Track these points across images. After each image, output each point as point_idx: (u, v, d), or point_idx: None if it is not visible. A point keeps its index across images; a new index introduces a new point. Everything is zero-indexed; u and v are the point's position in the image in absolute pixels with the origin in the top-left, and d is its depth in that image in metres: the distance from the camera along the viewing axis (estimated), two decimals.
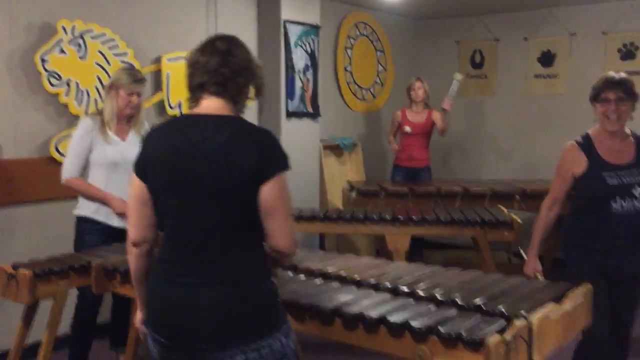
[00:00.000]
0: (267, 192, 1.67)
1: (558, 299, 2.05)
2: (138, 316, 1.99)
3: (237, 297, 1.69)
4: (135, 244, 1.83)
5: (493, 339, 1.68)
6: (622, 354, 2.80)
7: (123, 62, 3.94)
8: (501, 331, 1.76)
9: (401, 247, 3.91)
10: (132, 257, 1.86)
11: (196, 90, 1.78)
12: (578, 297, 2.09)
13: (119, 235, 3.30)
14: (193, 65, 1.78)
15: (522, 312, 1.86)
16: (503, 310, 1.91)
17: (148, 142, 1.80)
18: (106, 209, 3.28)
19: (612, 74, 2.73)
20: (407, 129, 5.40)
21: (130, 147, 3.34)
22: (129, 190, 1.84)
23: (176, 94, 4.29)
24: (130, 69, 3.36)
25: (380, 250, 5.32)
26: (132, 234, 1.83)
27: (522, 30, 6.12)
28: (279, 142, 1.74)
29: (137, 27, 4.10)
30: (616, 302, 2.69)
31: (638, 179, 2.64)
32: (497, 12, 6.21)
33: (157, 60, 4.22)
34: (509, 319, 1.84)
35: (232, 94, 1.76)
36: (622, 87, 2.64)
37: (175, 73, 4.25)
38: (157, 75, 4.23)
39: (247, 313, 1.69)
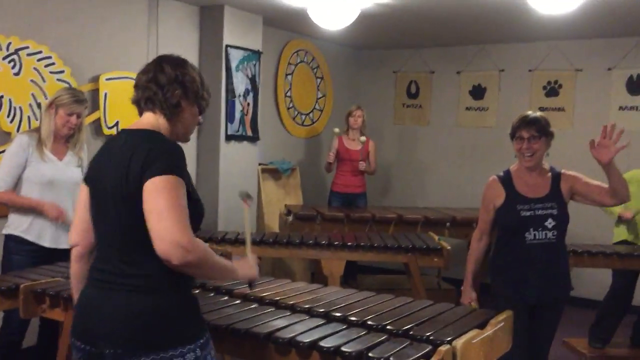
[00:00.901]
0: (144, 195, 1.65)
1: (482, 325, 2.16)
2: None
3: (146, 305, 1.71)
4: (72, 246, 1.94)
5: None
6: None
7: (59, 80, 3.88)
8: (427, 356, 1.85)
9: (336, 272, 3.99)
10: (71, 261, 1.95)
11: (136, 107, 1.89)
12: (500, 323, 2.20)
13: (49, 256, 3.22)
14: (134, 85, 1.88)
15: (447, 337, 1.96)
16: (430, 336, 2.00)
17: (97, 152, 1.92)
18: (37, 228, 3.21)
19: (528, 113, 2.89)
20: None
21: (66, 167, 3.30)
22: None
23: (114, 114, 4.24)
24: (73, 89, 3.33)
25: (316, 274, 5.39)
26: (71, 236, 1.94)
27: (455, 64, 6.41)
28: (170, 149, 1.73)
29: (75, 45, 4.05)
30: (535, 330, 2.83)
31: (550, 211, 2.80)
32: (432, 46, 6.48)
33: (95, 79, 4.17)
34: (435, 344, 1.93)
35: (161, 107, 1.82)
36: (535, 126, 2.79)
37: (114, 93, 4.22)
38: (95, 94, 4.18)
39: (156, 321, 1.71)
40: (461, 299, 3.02)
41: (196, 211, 1.79)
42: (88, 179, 1.88)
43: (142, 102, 1.85)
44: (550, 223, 2.79)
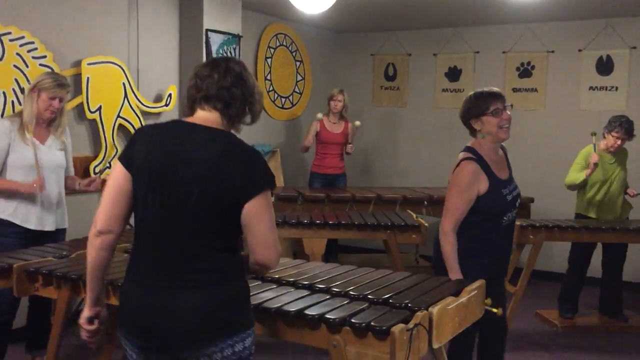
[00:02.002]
0: (250, 208, 1.75)
1: (457, 293, 2.30)
2: (85, 313, 1.94)
3: (219, 295, 1.77)
4: (101, 232, 1.81)
5: (397, 328, 1.89)
6: (503, 332, 2.99)
7: (42, 65, 3.92)
8: (406, 321, 1.98)
9: (317, 250, 4.10)
10: (93, 249, 1.83)
11: (199, 101, 1.85)
12: (473, 291, 2.35)
13: (36, 238, 3.30)
14: (202, 78, 1.84)
15: (424, 304, 2.10)
16: (408, 303, 2.13)
17: (142, 137, 1.83)
18: (23, 212, 3.28)
19: (486, 89, 2.82)
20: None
21: (49, 150, 3.36)
22: (110, 177, 1.85)
23: (96, 99, 4.28)
24: (55, 74, 3.38)
25: (298, 253, 5.50)
26: (100, 222, 1.81)
27: (431, 47, 6.52)
28: (266, 162, 1.83)
29: (57, 30, 4.08)
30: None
31: (518, 191, 2.84)
32: (409, 29, 6.58)
33: (77, 64, 4.21)
34: (413, 311, 2.06)
35: (231, 114, 1.84)
36: (504, 97, 2.78)
37: (96, 77, 4.26)
38: (77, 79, 4.21)
39: (225, 311, 1.77)
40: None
41: None
42: (139, 166, 1.78)
43: (217, 102, 1.83)
44: (517, 203, 2.83)
